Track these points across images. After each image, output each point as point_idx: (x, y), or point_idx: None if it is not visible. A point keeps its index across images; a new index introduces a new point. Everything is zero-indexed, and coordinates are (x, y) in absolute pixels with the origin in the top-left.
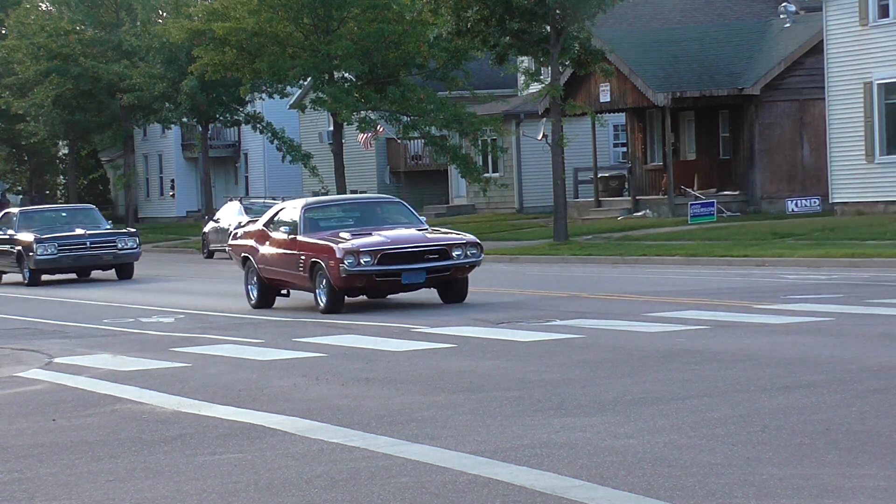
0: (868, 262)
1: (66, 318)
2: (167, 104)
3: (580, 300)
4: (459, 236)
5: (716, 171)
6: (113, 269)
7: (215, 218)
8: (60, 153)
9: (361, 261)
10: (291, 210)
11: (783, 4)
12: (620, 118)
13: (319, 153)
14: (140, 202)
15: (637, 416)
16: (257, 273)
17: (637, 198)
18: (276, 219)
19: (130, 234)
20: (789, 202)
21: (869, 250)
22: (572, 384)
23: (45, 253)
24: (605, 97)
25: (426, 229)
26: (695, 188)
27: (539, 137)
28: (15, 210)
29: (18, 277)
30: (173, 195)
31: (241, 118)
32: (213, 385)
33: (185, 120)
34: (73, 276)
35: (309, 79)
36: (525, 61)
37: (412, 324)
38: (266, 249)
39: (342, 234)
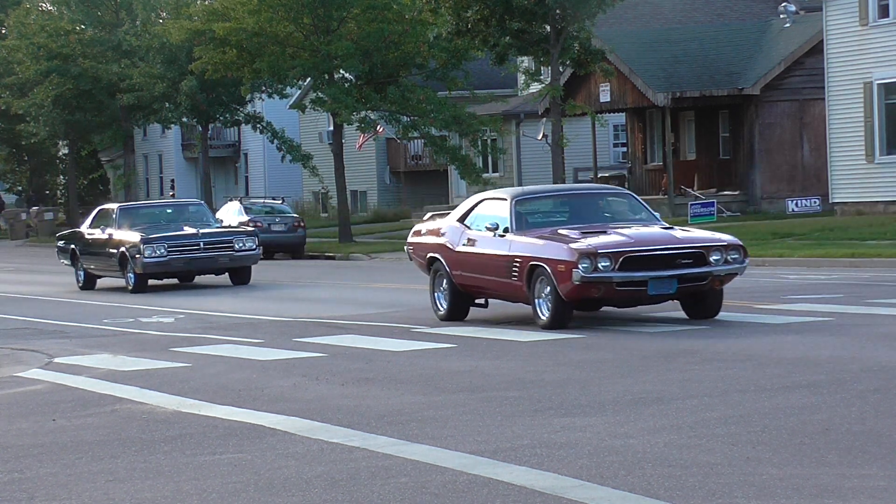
0: (868, 262)
1: (66, 318)
2: (167, 104)
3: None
4: (716, 237)
5: (716, 171)
6: (225, 273)
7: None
8: (60, 153)
9: (599, 265)
10: (497, 202)
11: (783, 4)
12: (620, 118)
13: (319, 153)
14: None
15: (637, 416)
16: (449, 278)
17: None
18: (475, 213)
19: (248, 234)
20: (789, 202)
21: (869, 250)
22: (572, 384)
23: (153, 255)
24: (605, 97)
25: (671, 227)
26: (695, 188)
27: (539, 137)
28: (113, 206)
29: (116, 282)
30: (173, 195)
31: (241, 118)
32: (213, 385)
33: (185, 120)
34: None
35: (309, 79)
36: (525, 61)
37: (412, 324)
38: (463, 250)
39: (563, 232)
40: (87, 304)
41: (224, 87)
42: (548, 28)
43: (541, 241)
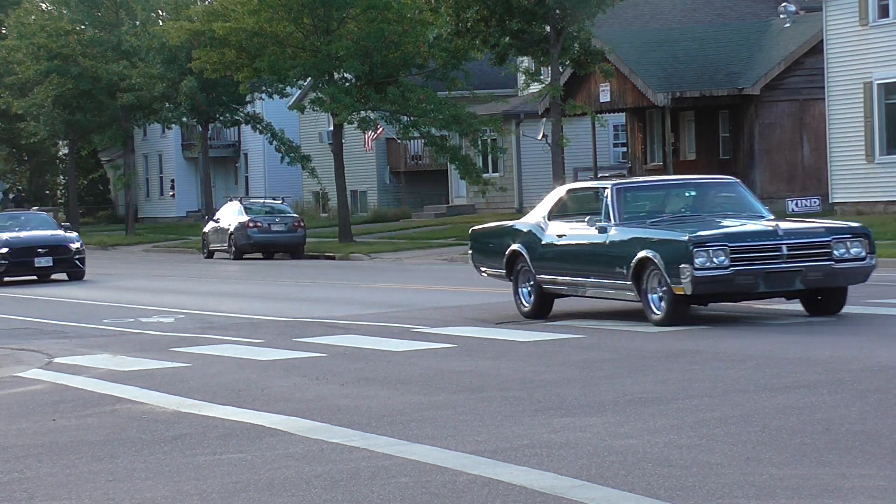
0: None
1: (66, 318)
2: (167, 104)
3: (580, 300)
4: None
5: (716, 171)
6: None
7: (215, 218)
8: (60, 153)
9: None
10: None
11: (783, 4)
12: (620, 118)
13: (319, 153)
14: (140, 202)
15: (637, 416)
16: None
17: None
18: None
19: (854, 234)
20: (789, 202)
21: None
22: (572, 384)
23: (710, 265)
24: (605, 97)
25: None
26: None
27: (539, 137)
28: (603, 184)
29: (596, 305)
30: (173, 195)
31: (241, 118)
32: (213, 385)
33: (185, 120)
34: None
35: (309, 79)
36: (525, 61)
37: (412, 324)
38: None
39: None
40: (88, 304)
41: (224, 87)
42: (548, 28)
43: None
